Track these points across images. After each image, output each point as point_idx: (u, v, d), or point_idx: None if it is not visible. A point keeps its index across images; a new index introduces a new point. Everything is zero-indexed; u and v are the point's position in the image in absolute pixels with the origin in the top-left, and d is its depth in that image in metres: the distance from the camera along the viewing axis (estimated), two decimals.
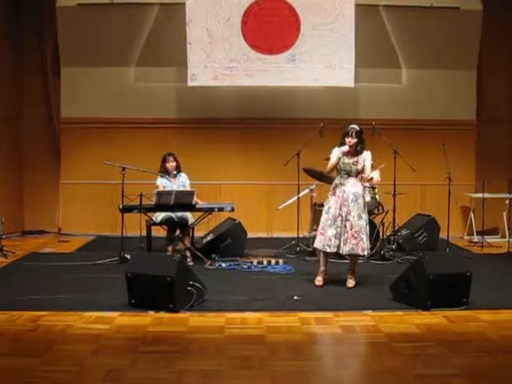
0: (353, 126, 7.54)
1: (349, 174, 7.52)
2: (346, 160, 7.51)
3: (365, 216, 7.59)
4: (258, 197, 11.40)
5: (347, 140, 7.48)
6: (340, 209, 7.49)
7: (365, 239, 7.52)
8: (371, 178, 7.68)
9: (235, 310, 6.59)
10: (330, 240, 7.49)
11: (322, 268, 7.72)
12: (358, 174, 7.57)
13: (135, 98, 11.34)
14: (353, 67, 10.77)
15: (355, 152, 7.52)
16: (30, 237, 11.17)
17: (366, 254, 7.67)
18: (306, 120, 10.82)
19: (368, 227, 7.65)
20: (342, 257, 8.14)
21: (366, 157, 7.57)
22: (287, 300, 6.97)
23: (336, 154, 7.51)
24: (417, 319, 6.33)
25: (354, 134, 7.47)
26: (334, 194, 7.58)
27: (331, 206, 7.54)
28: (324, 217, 7.58)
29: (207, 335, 5.87)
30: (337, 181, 7.60)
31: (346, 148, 7.45)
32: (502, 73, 11.48)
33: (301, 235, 9.52)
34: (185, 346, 5.58)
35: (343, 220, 7.48)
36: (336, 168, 7.58)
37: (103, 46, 11.11)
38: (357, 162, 7.52)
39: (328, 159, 7.64)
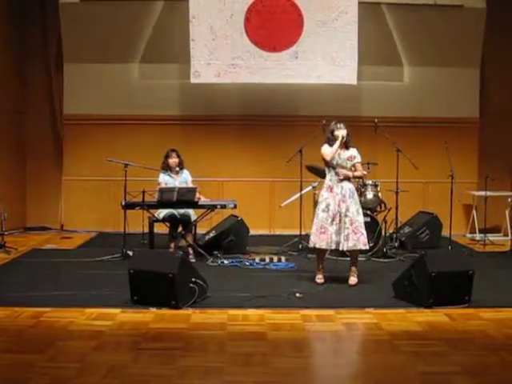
0: (334, 121, 7.65)
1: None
2: (342, 156, 7.57)
3: (361, 211, 7.67)
4: (260, 194, 11.39)
5: (338, 133, 7.53)
6: (339, 205, 7.50)
7: (364, 233, 7.56)
8: (358, 176, 7.86)
9: (237, 307, 6.60)
10: (332, 237, 7.50)
11: (320, 265, 7.73)
12: (350, 169, 7.64)
13: (138, 94, 11.33)
14: (356, 65, 10.74)
15: (345, 147, 7.60)
16: (32, 233, 11.16)
17: (367, 247, 7.72)
18: (308, 117, 10.81)
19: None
20: (342, 254, 8.15)
21: (356, 154, 7.67)
22: (289, 297, 6.98)
23: (332, 147, 7.53)
24: (419, 317, 6.34)
25: (343, 126, 7.57)
26: (330, 190, 7.57)
27: (329, 203, 7.53)
28: (322, 215, 7.55)
29: (209, 332, 5.88)
30: (332, 177, 7.60)
31: (341, 136, 7.50)
32: (505, 71, 11.44)
33: (303, 232, 9.51)
34: (187, 342, 5.58)
35: (342, 216, 7.49)
36: (330, 165, 7.59)
37: (106, 42, 11.09)
38: (351, 157, 7.61)
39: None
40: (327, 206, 7.54)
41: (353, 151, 7.66)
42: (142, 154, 10.37)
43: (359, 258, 7.95)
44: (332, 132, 7.61)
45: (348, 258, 7.86)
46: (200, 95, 11.19)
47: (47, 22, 11.34)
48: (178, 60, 11.10)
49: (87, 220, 11.34)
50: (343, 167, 7.58)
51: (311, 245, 7.69)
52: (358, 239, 7.50)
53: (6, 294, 6.95)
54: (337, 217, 7.50)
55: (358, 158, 7.68)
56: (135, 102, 11.32)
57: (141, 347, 5.43)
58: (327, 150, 7.57)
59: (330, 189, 7.58)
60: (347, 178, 7.58)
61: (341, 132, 7.55)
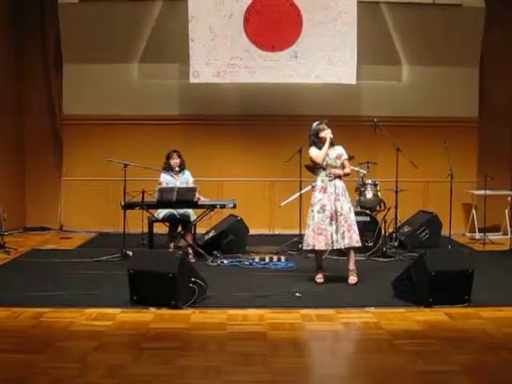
0: (316, 122, 7.71)
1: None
2: (331, 155, 7.62)
3: (352, 208, 7.74)
4: (259, 194, 11.39)
5: (324, 134, 7.59)
6: (334, 204, 7.52)
7: (357, 231, 7.61)
8: (347, 174, 7.83)
9: (237, 307, 6.60)
10: (332, 236, 7.51)
11: (319, 265, 7.74)
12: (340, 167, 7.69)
13: (137, 94, 11.33)
14: (355, 64, 10.75)
15: (331, 146, 7.65)
16: (32, 233, 11.17)
17: (360, 244, 7.71)
18: (307, 117, 10.69)
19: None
20: (342, 253, 8.14)
21: (343, 151, 7.72)
22: (289, 297, 6.98)
23: (321, 150, 7.57)
24: (418, 316, 6.34)
25: (326, 126, 7.64)
26: (324, 191, 7.58)
27: (325, 203, 7.55)
28: (318, 216, 7.54)
29: (209, 332, 5.88)
30: (324, 178, 7.62)
31: (329, 137, 7.56)
32: (504, 70, 11.44)
33: (303, 232, 9.50)
34: (186, 342, 5.59)
35: (338, 215, 7.51)
36: (320, 166, 7.61)
37: (105, 42, 11.09)
38: (339, 155, 7.67)
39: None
40: (322, 206, 7.56)
41: (339, 149, 7.71)
42: (142, 154, 10.38)
43: (358, 258, 7.96)
44: (317, 134, 7.64)
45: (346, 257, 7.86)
46: (199, 95, 11.19)
47: (46, 22, 11.34)
48: (178, 60, 11.10)
49: (87, 220, 11.34)
50: (334, 167, 7.61)
51: (308, 247, 7.68)
52: (351, 237, 7.54)
53: (6, 294, 6.95)
54: (334, 216, 7.52)
55: (345, 156, 7.72)
56: (134, 101, 11.33)
57: (143, 347, 5.43)
58: (317, 153, 7.60)
59: (324, 189, 7.59)
60: (338, 176, 7.61)
61: (327, 133, 7.59)
